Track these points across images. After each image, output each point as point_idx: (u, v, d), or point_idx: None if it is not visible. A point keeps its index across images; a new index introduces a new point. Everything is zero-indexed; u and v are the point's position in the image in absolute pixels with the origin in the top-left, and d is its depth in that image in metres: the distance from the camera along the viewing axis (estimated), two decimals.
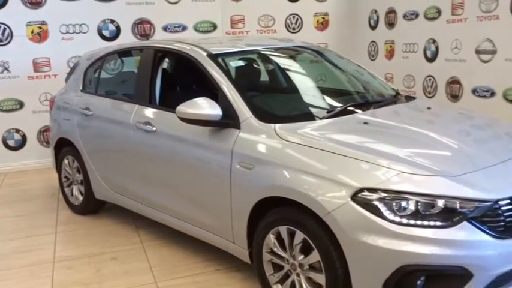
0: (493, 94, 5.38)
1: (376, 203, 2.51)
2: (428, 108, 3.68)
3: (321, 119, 3.27)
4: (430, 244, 2.45)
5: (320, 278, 2.75)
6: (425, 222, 2.47)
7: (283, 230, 2.89)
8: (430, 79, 6.27)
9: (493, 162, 2.77)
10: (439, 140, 2.99)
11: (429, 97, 6.34)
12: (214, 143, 3.26)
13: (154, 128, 3.69)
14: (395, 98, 3.86)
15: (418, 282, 2.51)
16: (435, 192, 2.51)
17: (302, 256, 2.82)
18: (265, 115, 3.19)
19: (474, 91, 5.63)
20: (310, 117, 3.32)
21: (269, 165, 2.93)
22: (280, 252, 2.94)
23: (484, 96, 5.50)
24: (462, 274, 2.48)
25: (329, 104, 3.51)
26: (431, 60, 6.19)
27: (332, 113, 3.34)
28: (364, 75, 4.23)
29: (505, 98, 5.24)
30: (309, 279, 2.84)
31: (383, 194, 2.51)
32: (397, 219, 2.47)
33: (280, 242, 2.94)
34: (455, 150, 2.91)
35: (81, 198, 4.71)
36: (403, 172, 2.58)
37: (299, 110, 3.42)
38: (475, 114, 3.79)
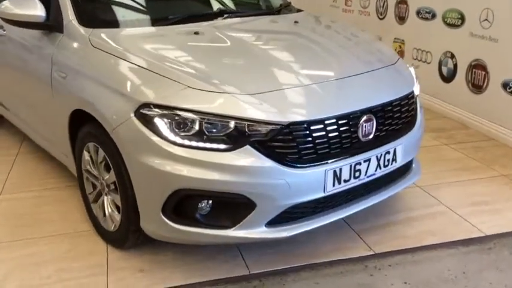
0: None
1: (156, 120, 2.24)
2: (296, 22, 3.28)
3: (153, 25, 2.93)
4: (208, 168, 2.20)
5: (117, 199, 2.55)
6: (208, 145, 2.21)
7: (91, 146, 2.67)
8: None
9: (309, 82, 2.44)
10: (266, 56, 2.66)
11: (380, 18, 5.85)
12: (41, 47, 2.99)
13: (5, 32, 3.42)
14: (269, 10, 3.46)
15: (201, 206, 2.29)
16: (220, 111, 2.22)
17: (107, 175, 2.61)
18: (89, 18, 2.86)
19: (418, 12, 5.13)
20: (140, 23, 2.98)
21: (77, 75, 2.68)
22: (92, 170, 2.74)
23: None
24: (245, 202, 2.24)
25: (170, 11, 3.14)
26: None
27: (170, 20, 2.98)
28: None
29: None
30: (112, 201, 2.64)
31: (164, 111, 2.24)
32: (177, 139, 2.21)
33: (93, 160, 2.73)
34: (276, 67, 2.57)
35: None
36: (190, 87, 2.28)
37: (131, 15, 3.05)
38: (352, 31, 3.35)
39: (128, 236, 2.56)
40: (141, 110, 2.27)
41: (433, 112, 4.92)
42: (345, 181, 2.40)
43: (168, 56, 2.53)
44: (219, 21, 3.07)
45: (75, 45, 2.77)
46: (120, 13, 3.01)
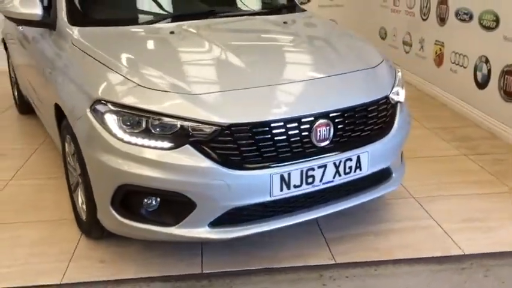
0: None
1: (106, 116, 2.32)
2: (285, 22, 3.22)
3: (135, 24, 3.02)
4: (149, 166, 2.24)
5: (82, 191, 2.67)
6: (152, 143, 2.25)
7: (67, 139, 2.80)
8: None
9: (263, 84, 2.40)
10: (230, 56, 2.63)
11: (423, 19, 5.60)
12: (40, 43, 3.19)
13: (22, 29, 3.67)
14: (265, 10, 3.44)
15: (148, 202, 2.35)
16: (164, 110, 2.26)
17: (78, 167, 2.73)
18: (77, 17, 3.00)
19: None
20: (124, 22, 3.05)
21: (58, 71, 2.83)
22: (70, 161, 2.88)
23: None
24: (186, 201, 2.26)
25: (157, 10, 3.19)
26: None
27: (154, 19, 3.06)
28: None
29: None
30: (82, 191, 2.76)
31: (114, 108, 2.31)
32: (125, 136, 2.28)
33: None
34: (236, 67, 2.55)
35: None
36: (140, 85, 2.33)
37: (117, 14, 3.14)
38: (340, 35, 3.24)
39: (91, 227, 2.66)
40: (95, 106, 2.36)
41: (465, 120, 4.64)
42: (296, 186, 2.34)
43: (130, 55, 2.60)
44: (204, 21, 3.10)
45: (60, 43, 2.93)
46: (107, 12, 3.13)
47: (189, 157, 2.21)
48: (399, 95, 2.75)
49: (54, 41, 3.00)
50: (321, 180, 2.40)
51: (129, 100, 2.30)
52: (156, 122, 2.25)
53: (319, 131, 2.34)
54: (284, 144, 2.29)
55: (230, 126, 2.21)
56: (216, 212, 2.29)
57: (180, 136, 2.23)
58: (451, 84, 5.05)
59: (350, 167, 2.46)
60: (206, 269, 2.56)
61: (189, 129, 2.22)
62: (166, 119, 2.24)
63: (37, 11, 3.02)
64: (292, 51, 2.84)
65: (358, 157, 2.46)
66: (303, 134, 2.32)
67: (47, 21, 3.06)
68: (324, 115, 2.36)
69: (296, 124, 2.30)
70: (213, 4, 3.37)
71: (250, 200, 2.29)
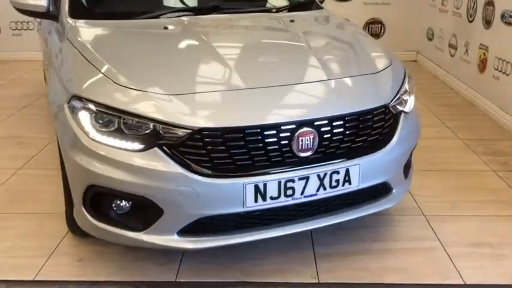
0: None
1: (80, 113, 2.24)
2: (291, 21, 3.03)
3: (137, 18, 2.93)
4: (117, 167, 2.15)
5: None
6: (122, 144, 2.15)
7: None
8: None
9: (243, 87, 2.25)
10: (216, 56, 2.49)
11: (469, 21, 5.22)
12: (49, 33, 3.17)
13: None
14: (276, 7, 3.26)
15: (118, 205, 2.26)
16: (135, 110, 2.14)
17: None
18: (77, 10, 2.95)
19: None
20: (120, 16, 2.96)
21: (51, 63, 2.79)
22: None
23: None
24: (153, 207, 2.15)
25: (160, 5, 3.08)
26: None
27: (152, 14, 2.96)
28: None
29: None
30: None
31: (88, 105, 2.22)
32: (96, 135, 2.19)
33: None
34: (218, 68, 2.40)
35: None
36: (116, 83, 2.24)
37: (114, 8, 3.07)
38: (350, 35, 3.02)
39: (74, 224, 2.60)
40: (71, 102, 2.28)
41: (504, 132, 4.28)
42: (273, 198, 2.18)
43: (114, 50, 2.52)
44: (205, 17, 2.98)
45: (59, 34, 2.89)
46: (108, 5, 3.07)
47: (156, 161, 2.09)
48: (404, 104, 2.51)
49: (56, 32, 2.97)
50: (302, 193, 2.21)
51: (102, 98, 2.20)
52: (129, 122, 2.14)
53: (302, 140, 2.16)
54: (260, 152, 2.13)
55: (200, 130, 2.07)
56: (184, 220, 2.16)
57: (150, 138, 2.11)
58: (492, 92, 4.67)
59: (337, 181, 2.26)
60: (181, 277, 2.44)
61: (161, 132, 2.10)
62: (137, 120, 2.13)
63: (42, 2, 3.00)
64: (285, 53, 2.66)
65: (347, 170, 2.26)
66: (283, 142, 2.15)
67: (53, 13, 3.03)
68: (307, 123, 2.17)
69: (274, 131, 2.13)
70: None
71: (221, 210, 2.15)
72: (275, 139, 2.13)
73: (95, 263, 2.55)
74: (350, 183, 2.29)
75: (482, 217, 2.95)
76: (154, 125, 2.11)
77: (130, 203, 2.23)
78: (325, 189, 2.25)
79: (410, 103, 2.58)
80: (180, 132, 2.08)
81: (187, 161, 2.09)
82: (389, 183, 2.49)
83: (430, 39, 6.42)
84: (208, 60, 2.46)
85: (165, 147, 2.09)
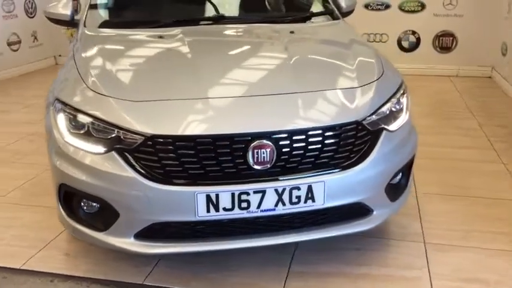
0: None
1: (59, 115, 2.38)
2: (291, 32, 2.96)
3: (137, 28, 3.03)
4: (80, 169, 2.25)
5: None
6: (88, 146, 2.25)
7: None
8: None
9: (203, 96, 2.25)
10: (193, 65, 2.52)
11: None
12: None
13: None
14: (281, 17, 3.25)
15: (87, 205, 2.36)
16: (100, 115, 2.23)
17: None
18: (92, 19, 3.12)
19: None
20: (127, 25, 3.09)
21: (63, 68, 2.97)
22: None
23: None
24: (111, 209, 2.22)
25: (169, 13, 3.16)
26: None
27: (158, 23, 3.04)
28: None
29: None
30: None
31: (64, 108, 2.36)
32: (68, 137, 2.31)
33: None
34: (190, 77, 2.41)
35: None
36: (89, 88, 2.35)
37: (131, 17, 3.21)
38: (348, 48, 2.89)
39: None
40: (55, 104, 2.43)
41: None
42: (226, 210, 2.15)
43: (102, 57, 2.63)
44: (204, 27, 3.05)
45: (74, 42, 3.08)
46: (114, 15, 3.22)
47: (112, 164, 2.16)
48: (390, 121, 2.36)
49: (74, 40, 3.17)
50: (258, 207, 2.16)
51: (74, 101, 2.32)
52: (96, 126, 2.23)
53: (257, 152, 2.11)
54: (212, 162, 2.12)
55: (152, 137, 2.11)
56: (139, 224, 2.21)
57: (110, 142, 2.18)
58: None
59: (298, 197, 2.18)
60: (149, 280, 2.48)
61: (122, 137, 2.17)
62: (102, 124, 2.21)
63: (67, 12, 3.23)
64: (262, 65, 2.62)
65: (310, 187, 2.17)
66: (236, 154, 2.11)
67: (74, 21, 3.25)
68: (264, 136, 2.12)
69: (227, 142, 2.11)
70: (230, 9, 3.26)
71: (172, 217, 2.17)
72: (228, 150, 2.11)
73: (78, 258, 2.67)
74: (314, 201, 2.20)
75: (489, 250, 2.68)
76: (117, 130, 2.18)
77: (95, 204, 2.31)
78: (284, 204, 2.18)
79: (400, 121, 2.42)
80: (135, 138, 2.13)
81: (140, 167, 2.13)
82: (367, 204, 2.35)
83: (504, 55, 5.94)
84: (181, 69, 2.49)
85: (123, 152, 2.15)
